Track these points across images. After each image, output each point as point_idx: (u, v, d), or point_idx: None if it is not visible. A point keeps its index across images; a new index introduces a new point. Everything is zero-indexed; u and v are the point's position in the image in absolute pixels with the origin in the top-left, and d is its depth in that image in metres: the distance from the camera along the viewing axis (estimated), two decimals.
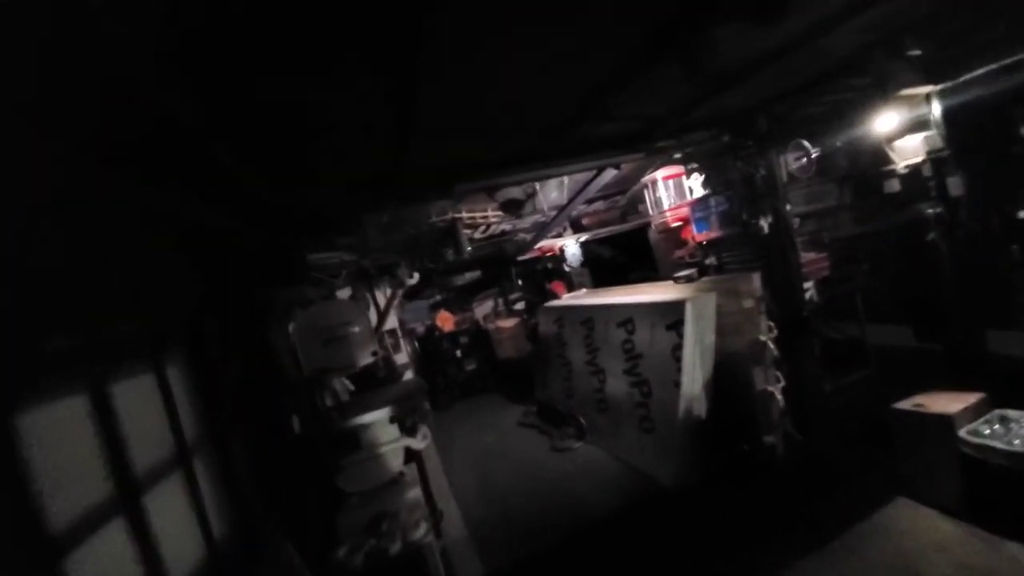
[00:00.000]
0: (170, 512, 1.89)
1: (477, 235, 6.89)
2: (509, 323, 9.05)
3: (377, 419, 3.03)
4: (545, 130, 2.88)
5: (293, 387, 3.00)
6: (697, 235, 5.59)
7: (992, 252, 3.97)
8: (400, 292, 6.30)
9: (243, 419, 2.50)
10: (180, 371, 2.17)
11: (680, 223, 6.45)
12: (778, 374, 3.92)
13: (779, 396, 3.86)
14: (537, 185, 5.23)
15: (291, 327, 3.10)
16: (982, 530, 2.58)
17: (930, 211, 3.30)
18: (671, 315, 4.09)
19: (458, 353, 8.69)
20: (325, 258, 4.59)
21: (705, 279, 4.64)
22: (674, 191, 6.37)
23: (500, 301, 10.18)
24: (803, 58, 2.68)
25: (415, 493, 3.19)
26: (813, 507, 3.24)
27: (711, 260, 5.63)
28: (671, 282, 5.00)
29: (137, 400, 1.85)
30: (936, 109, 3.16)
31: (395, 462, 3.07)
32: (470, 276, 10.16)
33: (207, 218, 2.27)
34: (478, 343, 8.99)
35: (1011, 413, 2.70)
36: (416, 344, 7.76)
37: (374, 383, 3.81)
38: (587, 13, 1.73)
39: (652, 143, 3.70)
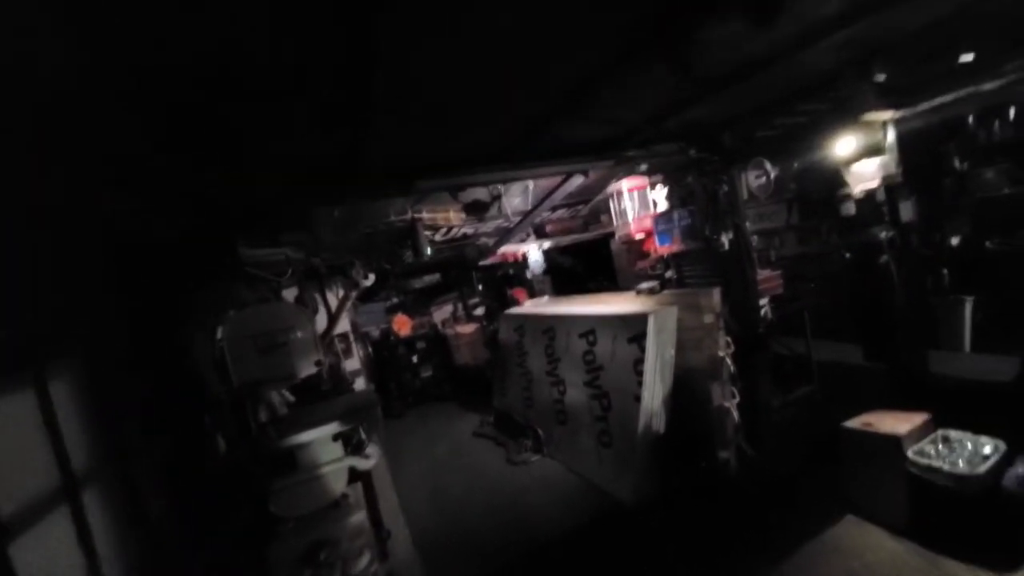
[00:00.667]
0: (48, 560, 1.55)
1: (438, 237, 6.63)
2: (468, 329, 8.81)
3: (318, 437, 2.73)
4: (515, 128, 2.71)
5: (218, 402, 2.64)
6: (660, 248, 5.62)
7: (935, 276, 4.19)
8: (354, 294, 5.93)
9: (153, 440, 2.14)
10: (70, 386, 1.81)
11: (643, 235, 6.48)
12: (734, 390, 3.95)
13: (735, 412, 3.89)
14: (502, 189, 5.06)
15: (219, 332, 2.74)
16: (925, 549, 2.64)
17: (883, 234, 3.42)
18: (633, 328, 4.04)
19: (414, 359, 8.35)
20: (267, 255, 4.20)
21: (666, 292, 4.64)
22: (638, 202, 6.40)
23: (460, 306, 9.92)
24: (779, 74, 2.66)
25: (359, 517, 2.91)
26: (766, 525, 3.25)
27: (671, 273, 5.69)
28: (633, 293, 4.97)
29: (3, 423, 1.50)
30: (891, 136, 3.27)
31: (337, 483, 2.78)
32: (429, 279, 9.84)
33: (108, 204, 1.92)
34: (435, 349, 8.69)
35: (953, 434, 2.80)
36: (370, 349, 7.36)
37: (318, 394, 3.48)
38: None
39: (623, 151, 3.63)
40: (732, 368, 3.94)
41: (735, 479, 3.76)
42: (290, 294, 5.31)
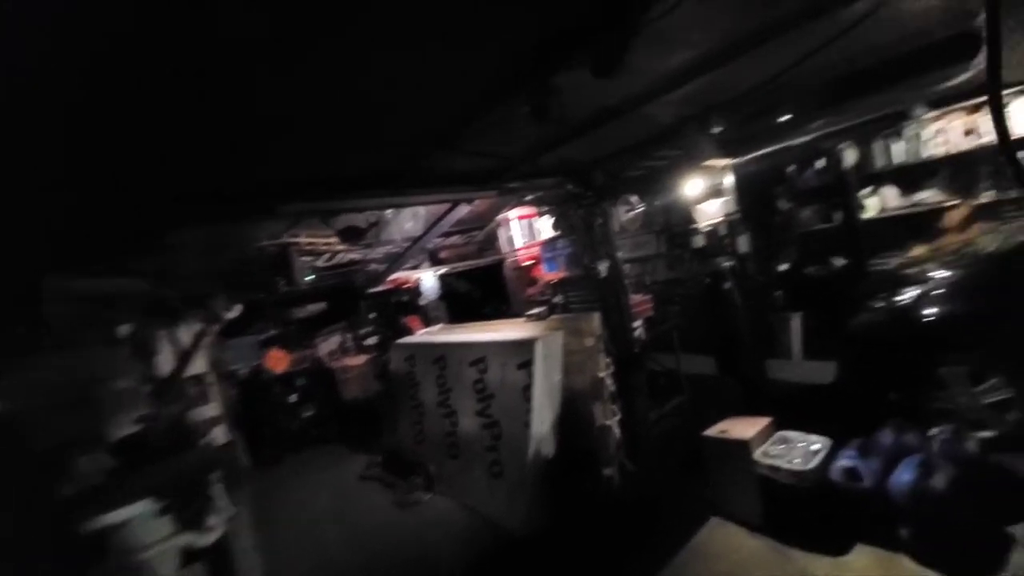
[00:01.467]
0: None
1: (321, 263, 6.13)
2: (357, 361, 8.20)
3: (136, 514, 2.22)
4: (388, 157, 2.61)
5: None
6: (547, 274, 5.86)
7: (770, 297, 4.93)
8: (215, 328, 5.15)
9: None
10: None
11: (532, 262, 6.72)
12: (615, 408, 4.16)
13: (616, 429, 4.09)
14: (390, 213, 4.86)
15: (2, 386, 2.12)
16: (777, 542, 2.96)
17: (726, 264, 3.95)
18: (522, 354, 4.07)
19: (292, 398, 7.49)
20: (92, 287, 3.45)
21: (553, 317, 4.80)
22: (526, 231, 6.64)
23: (349, 336, 9.22)
24: (633, 123, 2.95)
25: None
26: (646, 537, 3.40)
27: (559, 299, 5.94)
28: (523, 319, 5.05)
29: None
30: (730, 180, 3.83)
31: (164, 569, 2.26)
32: (314, 308, 9.02)
33: None
34: (320, 384, 7.91)
35: (790, 434, 3.23)
36: (234, 391, 6.41)
37: (150, 455, 2.87)
38: (438, 41, 1.57)
39: (504, 183, 3.72)
40: (612, 387, 4.16)
41: (618, 495, 3.92)
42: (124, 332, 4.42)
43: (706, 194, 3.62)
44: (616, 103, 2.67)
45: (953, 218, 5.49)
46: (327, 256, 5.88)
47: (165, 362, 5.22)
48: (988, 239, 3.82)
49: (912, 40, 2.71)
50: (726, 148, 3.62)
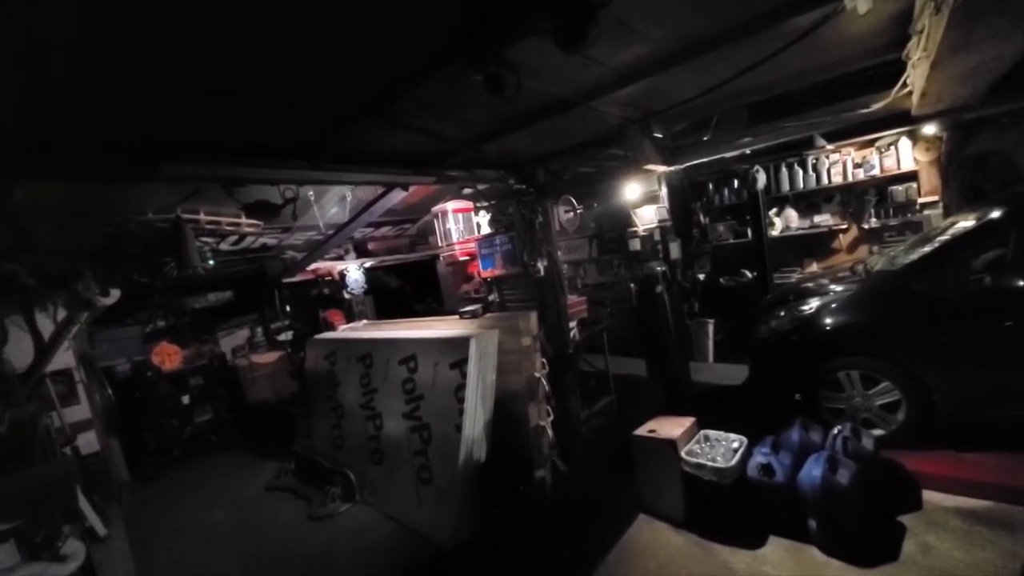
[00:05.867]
0: None
1: (225, 246, 5.41)
2: (268, 358, 7.41)
3: None
4: (312, 119, 2.28)
5: None
6: (483, 271, 5.70)
7: (689, 303, 5.18)
8: (84, 316, 4.31)
9: None
10: None
11: (468, 258, 6.52)
12: (549, 408, 4.11)
13: (549, 430, 4.03)
14: (312, 195, 4.40)
15: None
16: (700, 538, 3.05)
17: (659, 268, 4.07)
18: (455, 352, 3.86)
19: (185, 399, 6.56)
20: None
21: (489, 315, 4.64)
22: (463, 225, 6.43)
23: (260, 331, 8.33)
24: (579, 120, 2.89)
25: None
26: (579, 539, 3.36)
27: (495, 296, 5.80)
28: (457, 317, 4.84)
29: None
30: (664, 188, 3.95)
31: None
32: (217, 298, 8.02)
33: None
34: (220, 384, 7.03)
35: (711, 433, 3.37)
36: (108, 391, 5.43)
37: None
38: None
39: (443, 170, 3.50)
40: (547, 388, 4.11)
41: (551, 497, 3.86)
42: None
43: (643, 199, 3.72)
44: (566, 93, 2.59)
45: (844, 240, 6.25)
46: (234, 238, 5.19)
47: (18, 354, 4.29)
48: (873, 259, 4.33)
49: (837, 66, 2.96)
50: (662, 155, 3.74)
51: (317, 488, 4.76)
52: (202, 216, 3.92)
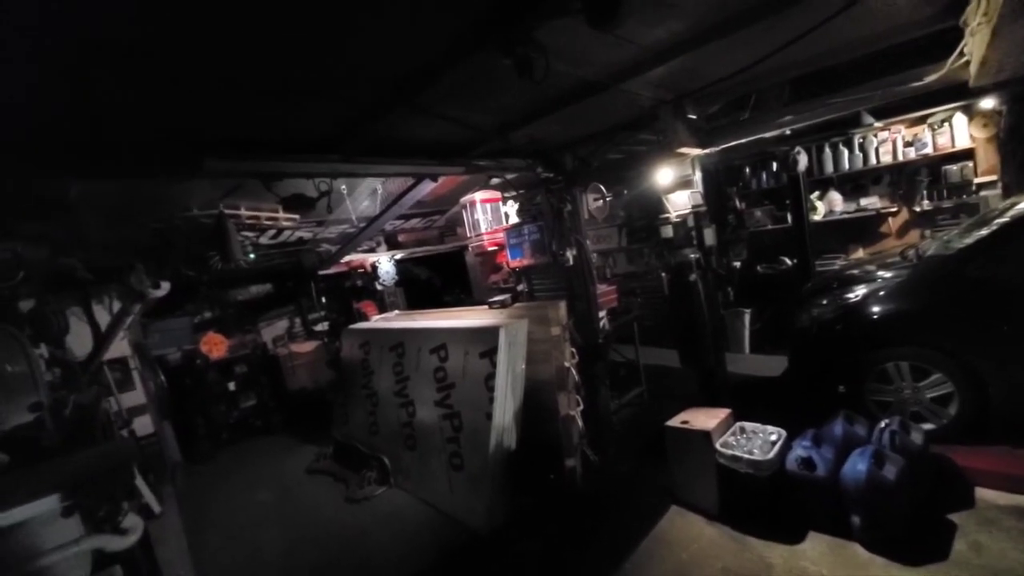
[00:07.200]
0: None
1: (265, 240, 5.63)
2: (307, 347, 7.71)
3: (35, 515, 1.86)
4: (347, 113, 2.32)
5: None
6: (511, 261, 5.70)
7: (724, 292, 5.02)
8: (136, 308, 4.58)
9: None
10: None
11: (496, 248, 6.53)
12: (578, 398, 4.10)
13: (579, 420, 4.02)
14: (344, 189, 4.50)
15: None
16: (734, 531, 2.99)
17: (692, 256, 3.96)
18: (485, 342, 3.89)
19: (231, 386, 6.91)
20: None
21: (518, 305, 4.65)
22: (491, 215, 6.43)
23: (298, 321, 8.66)
24: (609, 102, 2.82)
25: None
26: (610, 528, 3.36)
27: (523, 286, 5.80)
28: (486, 307, 4.87)
29: None
30: (698, 172, 3.82)
31: (74, 574, 1.92)
32: (258, 290, 8.38)
33: None
34: (262, 372, 7.36)
35: (747, 425, 3.27)
36: (162, 378, 5.79)
37: (49, 446, 2.45)
38: None
39: (471, 159, 3.50)
40: (576, 377, 4.09)
41: (581, 486, 3.86)
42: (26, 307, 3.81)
43: (676, 184, 3.61)
44: (596, 75, 2.53)
45: (893, 224, 5.89)
46: (272, 232, 5.39)
47: (78, 343, 4.61)
48: (926, 244, 4.06)
49: (886, 37, 2.76)
50: (696, 137, 3.61)
51: (354, 472, 4.94)
52: (243, 211, 4.08)
